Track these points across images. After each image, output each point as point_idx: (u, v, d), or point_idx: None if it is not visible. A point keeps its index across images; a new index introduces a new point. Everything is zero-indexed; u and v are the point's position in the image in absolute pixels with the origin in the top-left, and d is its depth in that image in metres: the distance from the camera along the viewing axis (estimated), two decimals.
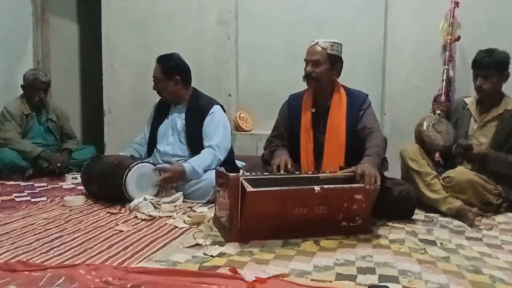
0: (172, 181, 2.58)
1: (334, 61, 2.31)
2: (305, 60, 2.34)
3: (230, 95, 3.64)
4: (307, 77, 2.32)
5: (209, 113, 2.76)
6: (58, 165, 3.30)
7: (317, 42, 2.31)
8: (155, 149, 2.87)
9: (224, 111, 2.88)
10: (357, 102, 2.35)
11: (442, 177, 2.42)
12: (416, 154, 2.48)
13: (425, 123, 2.61)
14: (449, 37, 3.08)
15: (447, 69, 3.07)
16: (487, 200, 2.37)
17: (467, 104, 2.64)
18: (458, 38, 3.09)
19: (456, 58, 3.16)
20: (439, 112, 2.68)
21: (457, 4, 3.09)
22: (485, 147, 2.48)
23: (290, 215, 1.88)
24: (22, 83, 3.46)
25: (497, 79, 2.46)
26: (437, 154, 2.53)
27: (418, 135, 2.62)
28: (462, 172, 2.36)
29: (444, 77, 3.05)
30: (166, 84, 2.76)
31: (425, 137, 2.56)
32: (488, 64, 2.43)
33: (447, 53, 3.08)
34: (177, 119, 2.83)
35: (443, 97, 2.94)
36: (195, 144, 2.74)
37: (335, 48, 2.31)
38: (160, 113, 2.92)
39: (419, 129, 2.62)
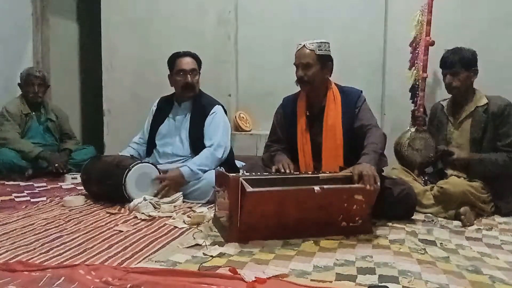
0: (172, 189, 2.56)
1: (324, 61, 2.29)
2: (294, 64, 2.33)
3: (230, 95, 3.64)
4: (299, 81, 2.31)
5: (211, 113, 2.78)
6: (56, 165, 3.29)
7: (304, 45, 2.28)
8: (154, 149, 2.87)
9: (225, 111, 2.88)
10: (352, 100, 2.33)
11: (436, 186, 2.39)
12: (400, 177, 2.48)
13: (401, 141, 2.71)
14: (428, 38, 2.93)
15: (425, 77, 2.95)
16: (481, 208, 2.35)
17: (443, 107, 2.63)
18: (432, 43, 2.94)
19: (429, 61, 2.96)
20: (416, 127, 2.72)
21: None
22: (465, 148, 2.48)
23: (290, 215, 1.88)
24: (19, 82, 3.47)
25: (465, 75, 2.45)
26: (416, 172, 2.61)
27: (396, 153, 2.74)
28: (455, 184, 2.32)
29: (421, 86, 2.97)
30: (198, 77, 2.82)
31: (403, 156, 2.69)
32: (454, 62, 2.45)
33: (424, 57, 2.95)
34: (179, 118, 2.83)
35: (421, 109, 2.87)
36: (196, 143, 2.75)
37: (323, 47, 2.28)
38: (161, 113, 2.92)
39: (396, 148, 2.74)
